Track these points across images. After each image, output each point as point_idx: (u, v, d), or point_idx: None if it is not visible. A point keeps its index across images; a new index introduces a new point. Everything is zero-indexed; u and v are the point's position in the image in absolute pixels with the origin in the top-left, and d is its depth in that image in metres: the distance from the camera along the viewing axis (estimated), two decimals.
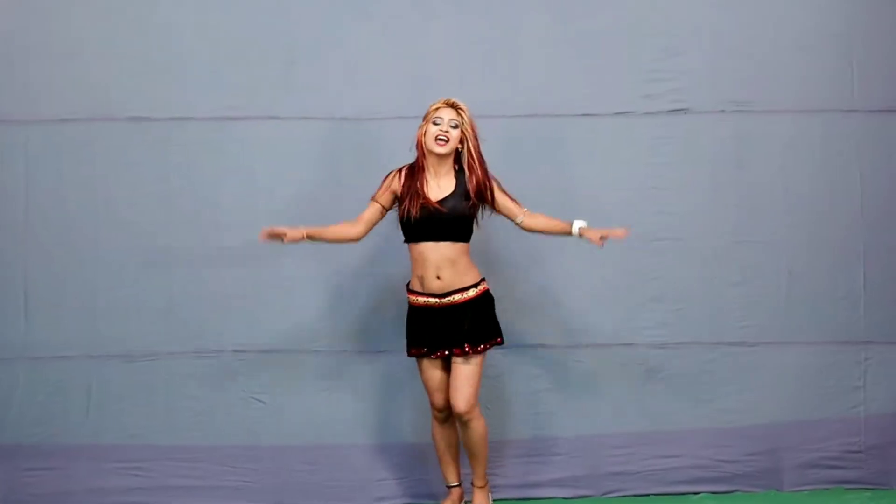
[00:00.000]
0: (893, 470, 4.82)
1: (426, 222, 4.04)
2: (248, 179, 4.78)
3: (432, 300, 4.08)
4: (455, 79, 4.65)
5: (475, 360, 4.09)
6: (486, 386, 4.51)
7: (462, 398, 4.06)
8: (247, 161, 4.76)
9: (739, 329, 4.83)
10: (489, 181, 4.10)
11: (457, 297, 4.08)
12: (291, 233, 3.98)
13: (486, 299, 4.14)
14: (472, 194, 4.08)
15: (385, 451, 4.64)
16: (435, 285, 4.07)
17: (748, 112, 4.88)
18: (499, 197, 4.11)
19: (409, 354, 4.20)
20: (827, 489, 4.78)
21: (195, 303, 4.73)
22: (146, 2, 4.79)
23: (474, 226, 4.14)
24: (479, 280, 4.12)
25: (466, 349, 4.07)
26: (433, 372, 4.16)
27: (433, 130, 4.06)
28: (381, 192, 4.14)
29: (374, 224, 4.16)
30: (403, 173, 4.14)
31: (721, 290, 4.84)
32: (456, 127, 4.04)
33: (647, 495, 4.72)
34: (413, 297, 4.13)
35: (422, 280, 4.08)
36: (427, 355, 4.12)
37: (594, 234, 4.00)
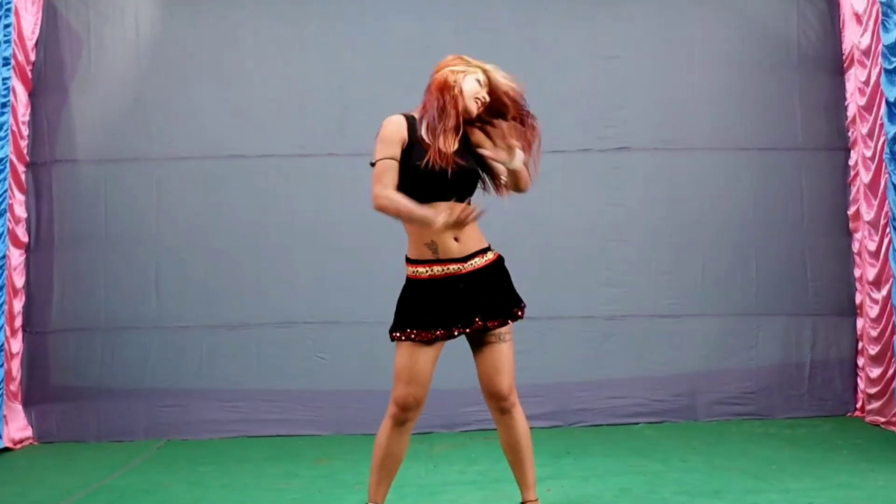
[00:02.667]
0: (776, 405, 5.57)
1: (453, 179, 3.18)
2: (313, 200, 5.52)
3: (452, 267, 3.21)
4: None
5: (511, 335, 3.28)
6: None
7: (507, 380, 3.24)
8: (313, 188, 5.55)
9: (668, 305, 5.60)
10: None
11: (478, 260, 3.25)
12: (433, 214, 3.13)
13: (503, 263, 3.36)
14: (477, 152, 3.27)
15: None
16: (454, 248, 3.22)
17: (673, 149, 5.63)
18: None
19: (406, 337, 3.20)
20: (729, 420, 5.52)
21: (277, 288, 5.55)
22: (241, 70, 5.62)
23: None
24: (488, 243, 3.35)
25: (518, 313, 3.27)
26: (425, 359, 3.17)
27: (474, 88, 3.22)
28: (391, 148, 3.20)
29: None
30: (408, 121, 3.25)
31: (655, 277, 5.62)
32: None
33: (602, 425, 5.45)
34: (424, 269, 3.22)
35: (434, 246, 3.20)
36: (440, 338, 3.19)
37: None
